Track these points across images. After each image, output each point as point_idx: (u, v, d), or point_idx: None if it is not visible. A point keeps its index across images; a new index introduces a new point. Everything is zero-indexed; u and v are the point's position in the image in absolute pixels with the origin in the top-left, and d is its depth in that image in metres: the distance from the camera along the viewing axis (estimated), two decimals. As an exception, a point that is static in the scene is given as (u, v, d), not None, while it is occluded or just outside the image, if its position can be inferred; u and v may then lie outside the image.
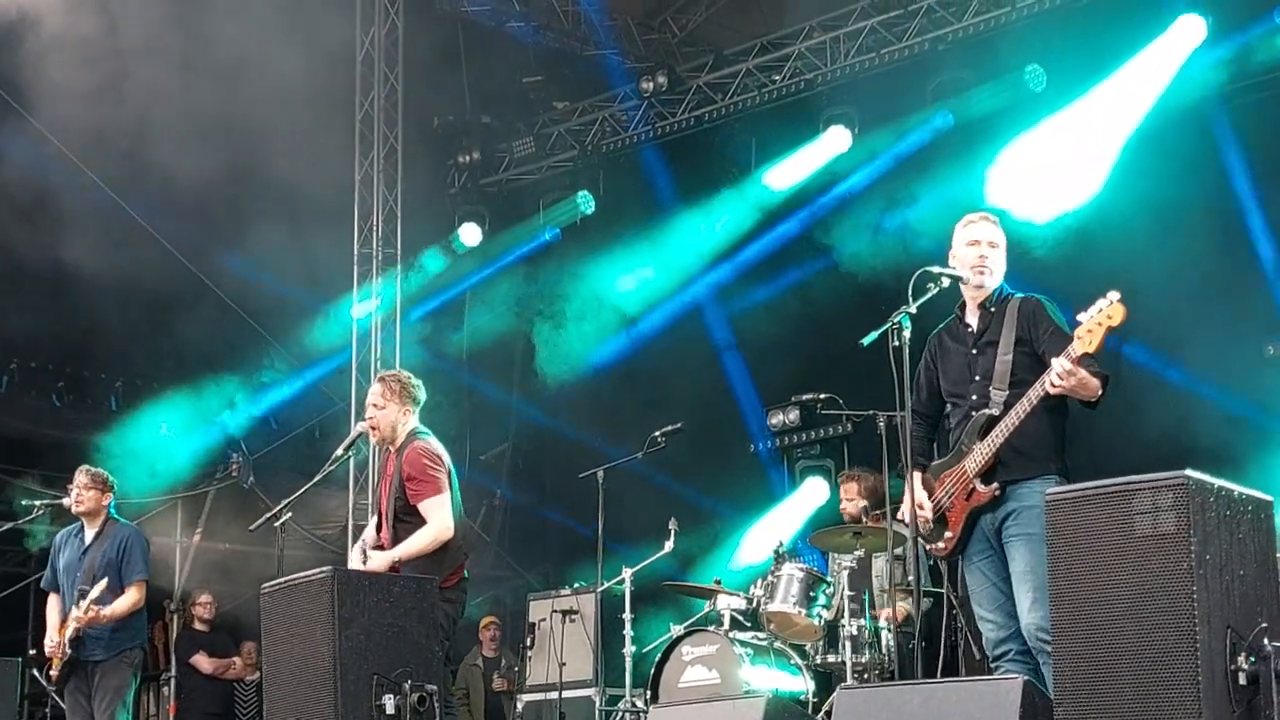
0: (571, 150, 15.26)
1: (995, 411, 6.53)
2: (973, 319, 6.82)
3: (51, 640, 9.34)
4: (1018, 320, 6.62)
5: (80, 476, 9.52)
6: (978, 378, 6.69)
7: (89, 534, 9.49)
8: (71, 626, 9.15)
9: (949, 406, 6.88)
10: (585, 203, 15.18)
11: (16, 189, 12.31)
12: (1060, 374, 6.20)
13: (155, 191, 12.90)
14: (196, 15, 12.39)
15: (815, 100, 13.64)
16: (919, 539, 6.85)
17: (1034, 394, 6.36)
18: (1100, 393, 6.33)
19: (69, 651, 9.17)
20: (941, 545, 6.77)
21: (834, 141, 13.39)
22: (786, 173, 13.79)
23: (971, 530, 6.66)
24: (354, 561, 7.85)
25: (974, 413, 6.64)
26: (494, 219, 15.58)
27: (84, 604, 9.09)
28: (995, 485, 6.53)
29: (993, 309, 6.74)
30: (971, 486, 6.59)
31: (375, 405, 7.86)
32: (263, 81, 12.28)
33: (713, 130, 14.47)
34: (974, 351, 6.75)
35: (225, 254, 13.53)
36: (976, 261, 6.74)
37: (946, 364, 6.88)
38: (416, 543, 7.55)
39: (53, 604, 9.55)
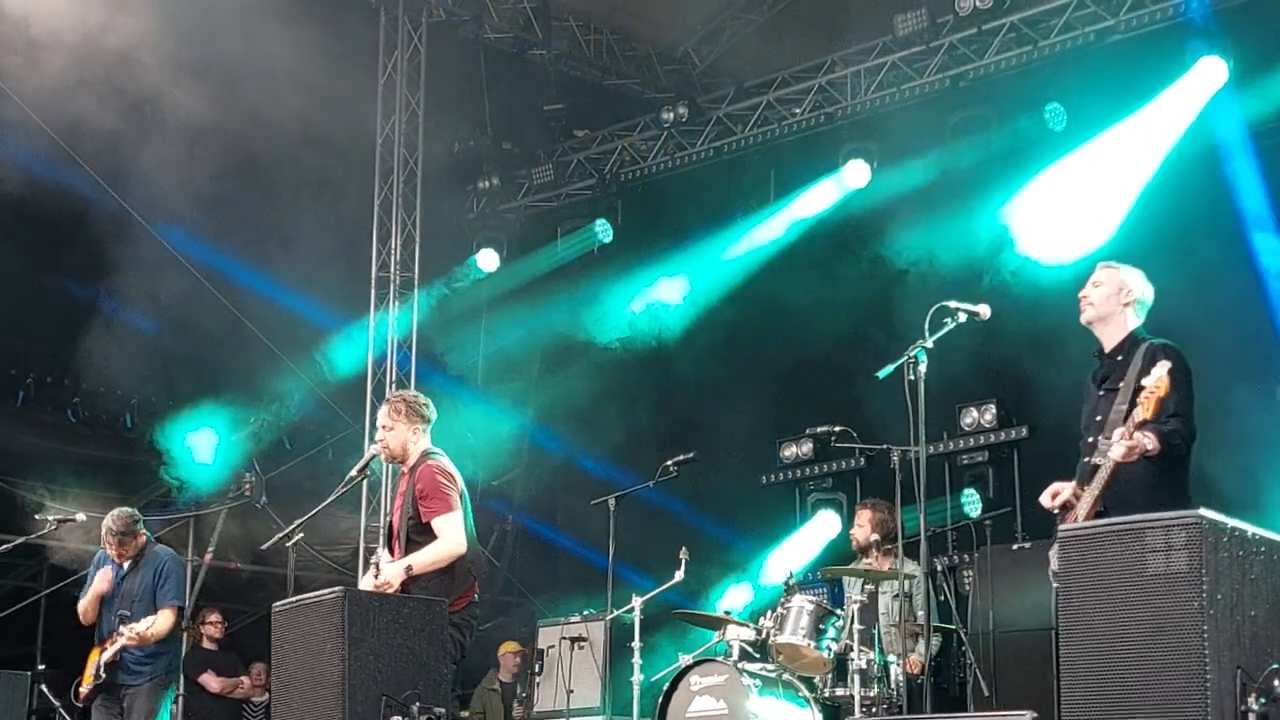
0: (590, 179, 15.31)
1: (1099, 461, 6.41)
2: (1105, 362, 6.76)
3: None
4: (1140, 367, 6.46)
5: (113, 524, 9.24)
6: (1099, 419, 6.61)
7: (126, 561, 9.43)
8: (110, 651, 9.12)
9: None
10: (603, 231, 15.19)
11: (33, 204, 12.36)
12: (1120, 456, 6.19)
13: (174, 211, 12.95)
14: (218, 38, 12.45)
15: (835, 134, 13.66)
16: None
17: (1114, 454, 6.26)
18: (1162, 449, 6.25)
19: (103, 675, 9.12)
20: None
21: (853, 175, 13.41)
22: (804, 205, 13.81)
23: None
24: (365, 584, 7.82)
25: (1084, 458, 6.58)
26: (512, 245, 15.62)
27: (128, 630, 9.02)
28: None
29: (1119, 356, 6.67)
30: None
31: (384, 426, 7.86)
32: (285, 104, 12.34)
33: (732, 162, 14.50)
34: (1100, 394, 6.69)
35: (243, 274, 13.56)
36: (1080, 299, 6.76)
37: (1085, 406, 6.80)
38: (429, 554, 7.49)
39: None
